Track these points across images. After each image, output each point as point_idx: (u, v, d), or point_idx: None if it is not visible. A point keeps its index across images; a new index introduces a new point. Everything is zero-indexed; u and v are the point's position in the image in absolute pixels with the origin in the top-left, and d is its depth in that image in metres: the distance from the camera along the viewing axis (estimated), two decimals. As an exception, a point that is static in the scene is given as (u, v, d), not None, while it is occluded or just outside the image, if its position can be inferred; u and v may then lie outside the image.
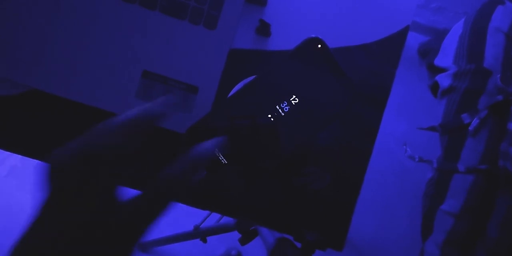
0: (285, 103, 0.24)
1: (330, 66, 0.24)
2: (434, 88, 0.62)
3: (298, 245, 0.36)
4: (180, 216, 0.76)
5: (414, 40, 1.00)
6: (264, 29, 0.32)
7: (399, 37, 0.34)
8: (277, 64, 0.24)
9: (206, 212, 0.65)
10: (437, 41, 0.69)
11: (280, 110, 0.24)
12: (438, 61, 0.62)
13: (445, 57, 0.60)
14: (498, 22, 0.55)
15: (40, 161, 0.30)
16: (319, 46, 0.24)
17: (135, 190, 0.31)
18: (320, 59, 0.24)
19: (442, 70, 0.60)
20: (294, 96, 0.24)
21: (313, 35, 0.25)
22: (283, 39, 0.32)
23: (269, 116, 0.24)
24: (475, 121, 0.53)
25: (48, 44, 0.27)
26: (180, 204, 0.31)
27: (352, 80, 0.25)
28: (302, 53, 0.24)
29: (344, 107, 0.24)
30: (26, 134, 0.30)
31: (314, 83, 0.24)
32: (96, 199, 0.16)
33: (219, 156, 0.24)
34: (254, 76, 0.25)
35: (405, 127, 0.95)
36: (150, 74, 0.28)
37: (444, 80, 0.58)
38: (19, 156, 0.30)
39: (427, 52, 0.98)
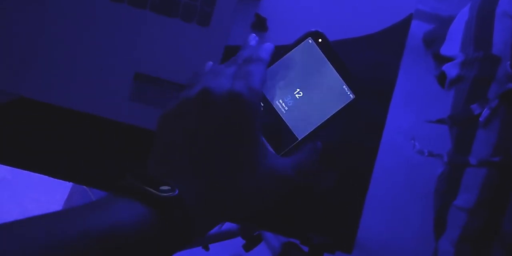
0: (288, 97, 0.24)
1: (331, 60, 0.25)
2: (442, 78, 0.62)
3: (305, 249, 0.37)
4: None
5: (418, 29, 1.00)
6: (260, 24, 0.32)
7: (403, 26, 0.34)
8: (277, 59, 0.24)
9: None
10: (442, 29, 0.69)
11: (283, 104, 0.24)
12: (445, 50, 0.62)
13: (452, 45, 0.60)
14: (506, 6, 0.56)
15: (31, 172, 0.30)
16: (320, 39, 0.25)
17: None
18: (321, 53, 0.25)
19: (449, 59, 0.60)
20: (298, 90, 0.25)
21: (313, 29, 0.25)
22: (281, 34, 0.32)
23: (273, 110, 0.24)
24: (486, 111, 0.53)
25: (35, 50, 0.27)
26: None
27: (353, 74, 0.25)
28: (302, 48, 0.25)
29: (347, 103, 0.25)
30: (16, 144, 0.30)
31: (316, 78, 0.25)
32: None
33: None
34: None
35: (413, 121, 0.96)
36: (142, 76, 0.28)
37: (451, 70, 0.58)
38: (8, 167, 0.30)
39: (433, 41, 0.98)
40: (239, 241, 0.60)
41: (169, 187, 0.17)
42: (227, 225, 0.64)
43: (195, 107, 0.20)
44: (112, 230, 0.15)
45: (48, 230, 0.14)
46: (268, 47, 0.24)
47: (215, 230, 0.64)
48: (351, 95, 0.25)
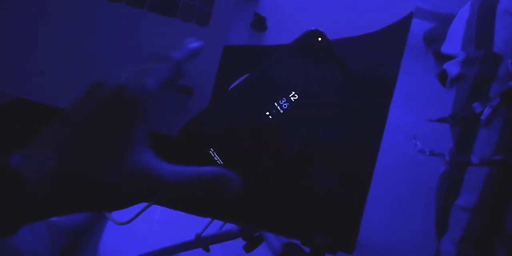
0: (284, 100, 0.24)
1: (331, 60, 0.25)
2: (443, 77, 0.62)
3: (307, 249, 0.37)
4: (180, 225, 0.76)
5: (418, 27, 1.01)
6: (259, 23, 0.32)
7: (403, 25, 0.35)
8: (274, 60, 0.24)
9: (207, 220, 0.65)
10: (443, 27, 0.69)
11: (278, 107, 0.24)
12: (445, 48, 0.62)
13: (453, 44, 0.60)
14: (507, 3, 0.56)
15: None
16: (320, 39, 0.25)
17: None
18: (320, 52, 0.25)
19: (450, 57, 0.60)
20: (293, 93, 0.25)
21: (313, 28, 0.25)
22: (280, 33, 0.33)
23: (267, 114, 0.24)
24: (487, 110, 0.53)
25: (33, 50, 0.27)
26: (180, 212, 0.31)
27: (353, 73, 0.25)
28: (302, 47, 0.25)
29: (347, 101, 0.25)
30: (15, 145, 0.30)
31: (315, 77, 0.25)
32: None
33: (215, 156, 0.24)
34: (249, 74, 0.25)
35: (414, 120, 0.96)
36: (141, 76, 0.28)
37: (452, 68, 0.59)
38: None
39: (433, 39, 0.98)
40: (239, 242, 0.60)
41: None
42: (228, 226, 0.64)
43: (86, 97, 0.21)
44: None
45: None
46: (187, 47, 0.24)
47: (215, 231, 0.64)
48: (351, 93, 0.25)
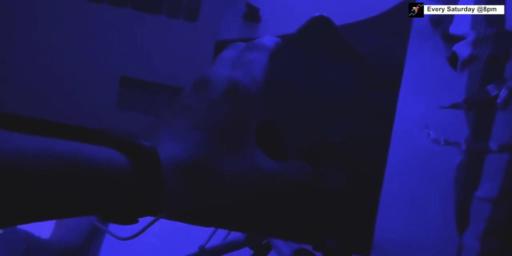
0: (290, 93, 0.25)
1: (339, 48, 0.25)
2: (453, 59, 0.63)
3: (319, 255, 0.38)
4: (182, 237, 0.77)
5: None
6: (252, 15, 0.33)
7: (407, 6, 0.35)
8: (277, 51, 0.25)
9: (210, 230, 0.66)
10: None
11: (284, 101, 0.25)
12: (454, 29, 0.63)
13: (461, 23, 0.61)
14: (517, -24, 0.56)
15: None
16: (325, 25, 0.25)
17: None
18: (327, 40, 0.25)
19: (459, 38, 0.61)
20: (299, 85, 0.25)
21: (317, 14, 0.25)
22: (275, 24, 0.33)
23: (267, 111, 0.25)
24: (503, 92, 0.54)
25: (7, 58, 0.28)
26: (180, 224, 0.31)
27: (366, 58, 0.25)
28: (307, 36, 0.25)
29: (353, 93, 0.25)
30: None
31: (322, 70, 0.25)
32: None
33: None
34: None
35: (425, 108, 0.97)
36: (130, 81, 0.29)
37: (463, 50, 0.59)
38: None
39: (441, 20, 0.98)
40: (246, 252, 0.61)
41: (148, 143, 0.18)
42: (232, 235, 0.65)
43: (198, 92, 0.22)
44: (75, 152, 0.16)
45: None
46: (273, 38, 0.25)
47: (219, 241, 0.65)
48: (360, 84, 0.26)
